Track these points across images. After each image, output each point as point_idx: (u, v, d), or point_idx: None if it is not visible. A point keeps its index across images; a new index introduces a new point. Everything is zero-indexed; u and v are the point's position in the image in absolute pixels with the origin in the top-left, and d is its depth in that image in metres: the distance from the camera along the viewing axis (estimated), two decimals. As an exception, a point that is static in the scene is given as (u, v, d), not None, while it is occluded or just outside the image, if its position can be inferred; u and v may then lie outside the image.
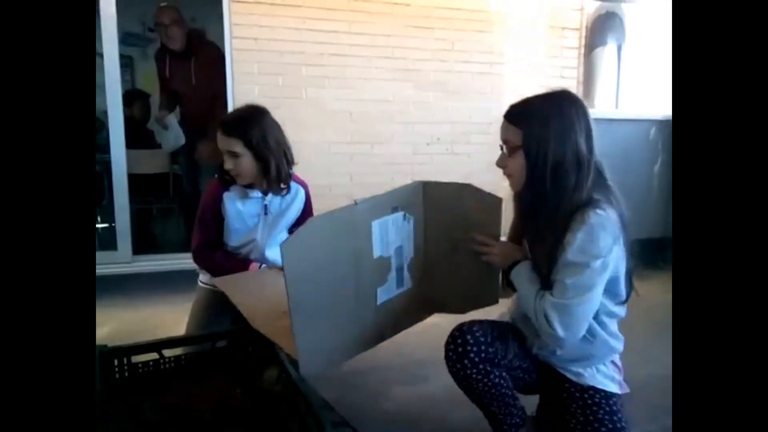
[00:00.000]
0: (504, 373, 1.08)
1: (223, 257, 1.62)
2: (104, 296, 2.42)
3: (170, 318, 2.13)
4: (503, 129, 1.08)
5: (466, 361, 1.04)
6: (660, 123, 3.06)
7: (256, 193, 1.59)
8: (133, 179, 2.71)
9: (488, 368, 1.05)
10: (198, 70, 2.77)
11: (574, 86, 3.16)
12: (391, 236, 1.15)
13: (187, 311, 1.66)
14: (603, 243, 0.95)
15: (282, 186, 1.58)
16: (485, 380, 1.05)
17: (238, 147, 1.48)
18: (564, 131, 1.00)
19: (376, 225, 1.10)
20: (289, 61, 2.66)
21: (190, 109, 2.99)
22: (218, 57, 2.72)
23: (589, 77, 3.16)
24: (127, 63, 4.63)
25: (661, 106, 3.24)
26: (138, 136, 3.41)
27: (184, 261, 2.55)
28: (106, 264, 2.51)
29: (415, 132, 2.92)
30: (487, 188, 3.42)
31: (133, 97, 3.66)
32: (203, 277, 1.68)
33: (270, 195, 1.60)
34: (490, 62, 2.97)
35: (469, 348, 1.04)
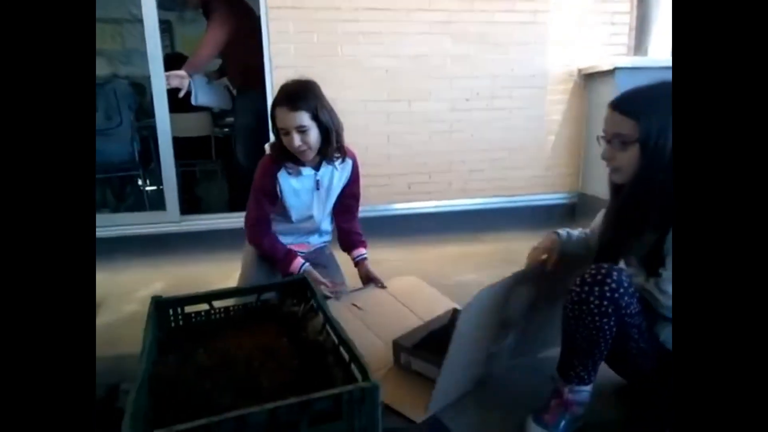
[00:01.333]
0: (614, 329, 1.02)
1: (270, 245, 1.69)
2: (156, 254, 2.56)
3: (217, 273, 2.23)
4: (612, 120, 1.03)
5: (597, 289, 0.99)
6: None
7: (309, 170, 1.62)
8: (177, 142, 2.78)
9: (611, 311, 1.00)
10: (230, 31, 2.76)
11: (625, 32, 2.95)
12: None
13: (232, 267, 1.75)
14: None
15: (338, 156, 1.62)
16: (597, 318, 1.00)
17: (306, 120, 1.48)
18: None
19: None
20: (324, 17, 2.60)
21: (232, 70, 3.02)
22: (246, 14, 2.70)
23: (642, 23, 2.94)
24: (165, 28, 4.68)
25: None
26: (180, 99, 3.47)
27: (228, 220, 2.65)
28: (156, 223, 2.63)
29: (453, 87, 2.83)
30: (529, 146, 3.32)
31: (173, 61, 3.72)
32: None
33: (321, 170, 1.63)
34: (534, 10, 2.80)
35: (608, 283, 0.99)
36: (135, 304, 2.00)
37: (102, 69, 4.09)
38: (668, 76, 2.98)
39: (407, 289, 1.92)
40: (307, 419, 0.84)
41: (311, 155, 1.54)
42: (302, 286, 1.42)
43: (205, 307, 1.34)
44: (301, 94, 1.49)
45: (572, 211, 3.09)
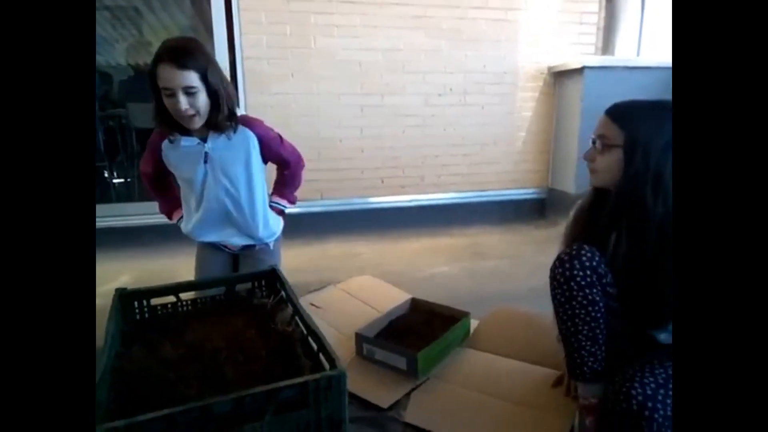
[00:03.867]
0: (603, 310, 1.03)
1: (155, 191, 1.62)
2: (124, 246, 2.50)
3: (185, 266, 2.19)
4: (602, 124, 1.04)
5: (573, 284, 1.01)
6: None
7: (191, 140, 1.41)
8: (145, 134, 2.71)
9: (595, 297, 1.01)
10: None
11: (594, 32, 3.03)
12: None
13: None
14: None
15: (230, 125, 1.40)
16: (588, 308, 1.01)
17: (196, 81, 1.28)
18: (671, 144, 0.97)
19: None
20: (297, 9, 2.58)
21: None
22: None
23: (610, 23, 3.01)
24: (133, 15, 4.54)
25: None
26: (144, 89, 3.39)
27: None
28: (125, 216, 2.57)
29: (426, 82, 2.85)
30: (500, 141, 3.38)
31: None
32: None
33: (210, 141, 1.42)
34: (506, 8, 2.85)
35: (576, 272, 1.00)
36: (100, 298, 1.95)
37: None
38: (635, 76, 3.04)
39: (363, 287, 1.94)
40: (273, 407, 0.85)
41: (198, 122, 1.34)
42: (272, 278, 1.42)
43: (172, 299, 1.32)
44: (190, 50, 1.28)
45: (542, 206, 3.17)
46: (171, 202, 1.64)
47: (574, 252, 1.01)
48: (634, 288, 1.03)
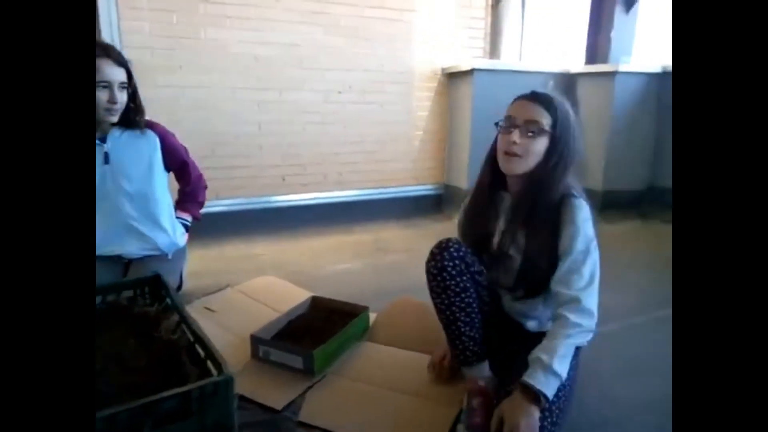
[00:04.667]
0: (475, 295, 1.11)
1: None
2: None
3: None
4: (530, 109, 1.07)
5: (445, 274, 1.08)
6: (556, 75, 3.25)
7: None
8: None
9: (466, 284, 1.08)
10: None
11: (481, 37, 3.23)
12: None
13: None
14: (591, 227, 1.05)
15: (139, 119, 1.47)
16: (462, 294, 1.08)
17: (123, 76, 1.39)
18: (579, 132, 1.09)
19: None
20: (183, -5, 2.42)
21: None
22: None
23: (495, 30, 3.24)
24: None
25: (559, 59, 3.45)
26: None
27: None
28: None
29: (326, 79, 2.84)
30: (399, 139, 3.47)
31: None
32: None
33: (110, 141, 1.42)
34: (401, 9, 2.94)
35: (446, 263, 1.07)
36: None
37: None
38: (517, 79, 3.29)
39: (262, 287, 1.90)
40: (152, 421, 0.79)
41: (116, 118, 1.40)
42: (157, 285, 1.33)
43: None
44: (118, 50, 1.41)
45: (439, 201, 3.32)
46: None
47: (443, 245, 1.09)
48: (520, 272, 1.12)
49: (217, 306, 1.70)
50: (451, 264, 1.07)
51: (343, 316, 1.55)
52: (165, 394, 0.81)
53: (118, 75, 1.36)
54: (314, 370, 1.30)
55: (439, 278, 1.09)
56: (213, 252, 2.44)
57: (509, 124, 1.08)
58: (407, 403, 1.20)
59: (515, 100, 1.12)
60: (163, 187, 1.57)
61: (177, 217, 1.66)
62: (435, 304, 1.14)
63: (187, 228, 1.71)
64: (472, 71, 2.91)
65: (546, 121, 1.06)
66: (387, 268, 2.30)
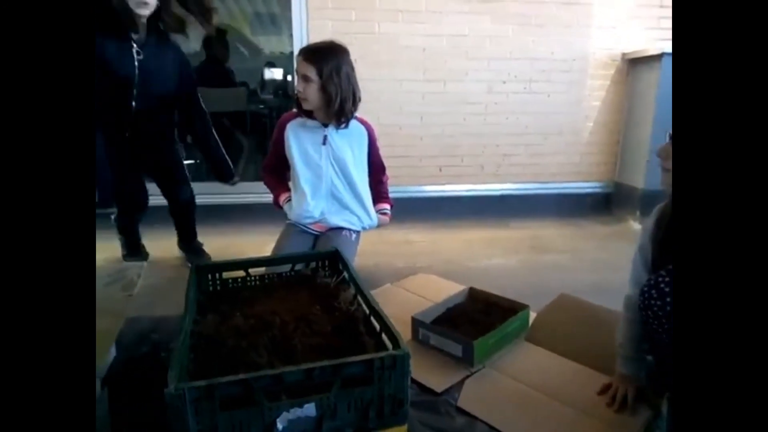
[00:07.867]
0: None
1: (269, 180, 1.87)
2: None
3: (252, 244, 2.30)
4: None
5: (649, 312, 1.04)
6: None
7: (315, 123, 1.71)
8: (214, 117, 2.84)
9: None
10: None
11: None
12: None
13: (265, 240, 1.79)
14: None
15: (342, 120, 1.67)
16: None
17: (312, 73, 1.60)
18: None
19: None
20: (362, -7, 2.59)
21: None
22: None
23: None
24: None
25: None
26: (217, 74, 3.54)
27: (264, 195, 2.70)
28: (198, 194, 2.70)
29: (490, 69, 2.78)
30: (565, 132, 3.24)
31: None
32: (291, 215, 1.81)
33: (330, 127, 1.70)
34: (579, -9, 2.72)
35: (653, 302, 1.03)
36: (171, 270, 2.09)
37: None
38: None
39: (419, 284, 1.92)
40: (340, 381, 0.88)
41: (308, 106, 1.65)
42: (335, 259, 1.46)
43: (241, 273, 1.39)
44: (321, 51, 1.62)
45: (606, 201, 3.03)
46: (281, 185, 1.86)
47: (652, 281, 1.00)
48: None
49: (377, 297, 1.79)
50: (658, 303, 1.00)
51: (502, 311, 1.51)
52: (352, 359, 0.88)
53: (302, 68, 1.61)
54: (473, 360, 1.30)
55: (643, 314, 1.06)
56: (371, 235, 2.60)
57: None
58: (573, 417, 1.13)
59: None
60: (365, 174, 1.81)
61: (380, 210, 1.90)
62: (646, 319, 1.06)
63: (387, 216, 1.95)
64: (661, 56, 2.56)
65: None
66: (546, 267, 2.18)
